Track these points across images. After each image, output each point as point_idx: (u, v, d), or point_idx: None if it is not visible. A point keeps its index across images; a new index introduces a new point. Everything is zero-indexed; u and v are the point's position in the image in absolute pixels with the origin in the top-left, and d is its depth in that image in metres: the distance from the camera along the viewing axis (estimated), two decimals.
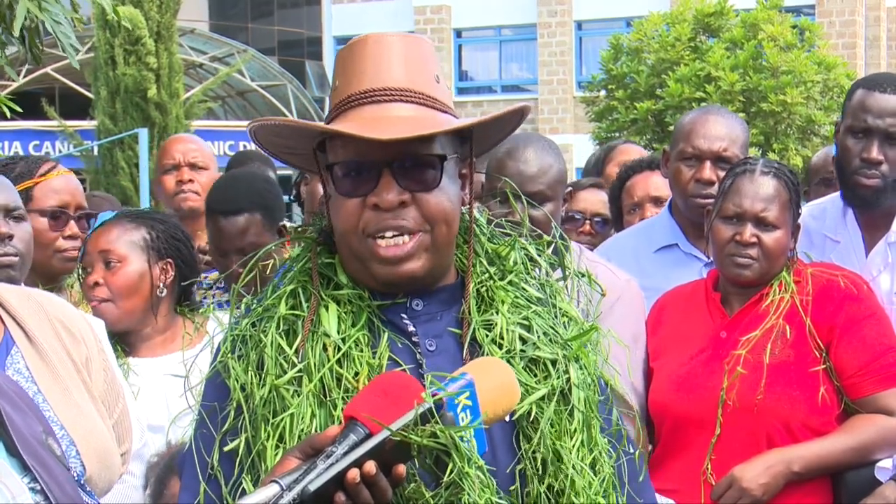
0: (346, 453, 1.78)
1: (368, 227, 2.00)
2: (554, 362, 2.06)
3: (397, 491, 1.85)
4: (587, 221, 4.73)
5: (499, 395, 1.89)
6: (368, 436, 1.79)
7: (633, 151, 5.52)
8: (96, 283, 3.46)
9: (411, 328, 2.06)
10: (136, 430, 3.05)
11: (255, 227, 3.97)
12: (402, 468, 1.80)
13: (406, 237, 2.00)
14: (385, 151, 1.96)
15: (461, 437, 1.83)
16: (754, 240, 3.31)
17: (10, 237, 3.06)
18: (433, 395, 1.83)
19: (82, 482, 2.54)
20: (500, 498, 1.91)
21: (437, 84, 2.07)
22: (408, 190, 1.99)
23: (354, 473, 1.76)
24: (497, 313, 2.07)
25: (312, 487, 1.75)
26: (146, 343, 3.51)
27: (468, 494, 1.84)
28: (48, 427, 2.09)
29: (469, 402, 1.84)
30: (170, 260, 3.54)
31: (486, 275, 2.12)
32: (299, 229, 2.19)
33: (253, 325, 2.06)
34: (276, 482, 1.76)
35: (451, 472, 1.83)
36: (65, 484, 1.97)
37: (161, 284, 3.51)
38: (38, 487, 1.91)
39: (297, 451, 1.83)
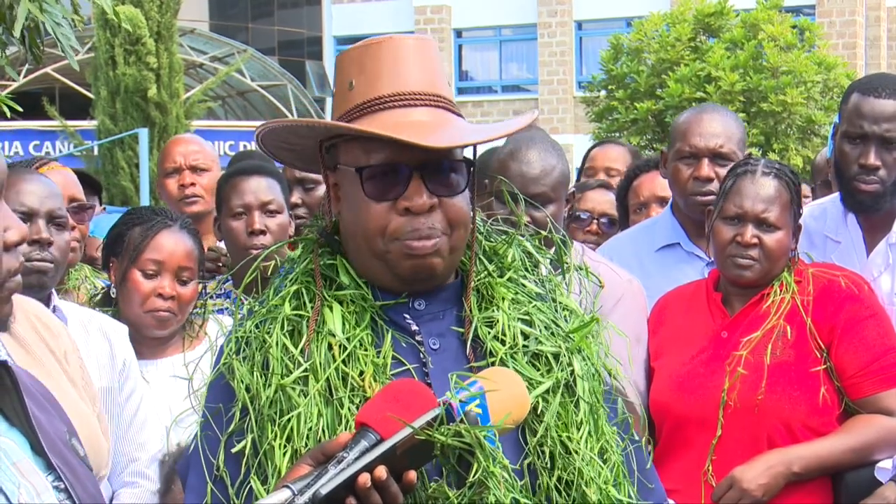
0: (357, 458, 1.80)
1: (399, 231, 2.01)
2: (557, 355, 2.08)
3: (419, 491, 1.87)
4: (594, 221, 4.73)
5: (509, 405, 1.91)
6: (380, 441, 1.81)
7: (610, 154, 5.54)
8: (172, 297, 3.46)
9: (414, 327, 2.08)
10: (157, 435, 3.08)
11: (277, 189, 3.98)
12: (412, 474, 1.82)
13: (435, 239, 2.02)
14: (415, 156, 1.99)
15: (485, 437, 1.84)
16: (755, 241, 3.31)
17: (50, 244, 3.11)
18: (444, 401, 1.85)
19: None
20: (521, 496, 1.93)
21: (447, 85, 2.11)
22: (435, 194, 2.02)
23: (365, 478, 1.78)
24: (498, 310, 2.09)
25: (324, 492, 1.77)
26: (149, 346, 3.51)
27: (494, 494, 1.85)
28: (71, 427, 2.12)
29: (479, 411, 1.86)
30: None
31: (485, 272, 2.14)
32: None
33: (256, 326, 2.07)
34: (288, 487, 1.78)
35: (477, 471, 1.84)
36: (87, 483, 1.99)
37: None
38: (62, 486, 1.93)
39: (309, 457, 1.85)
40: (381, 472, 1.79)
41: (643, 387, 3.41)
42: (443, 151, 2.00)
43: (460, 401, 1.86)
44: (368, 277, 2.08)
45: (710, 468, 3.27)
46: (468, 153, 2.15)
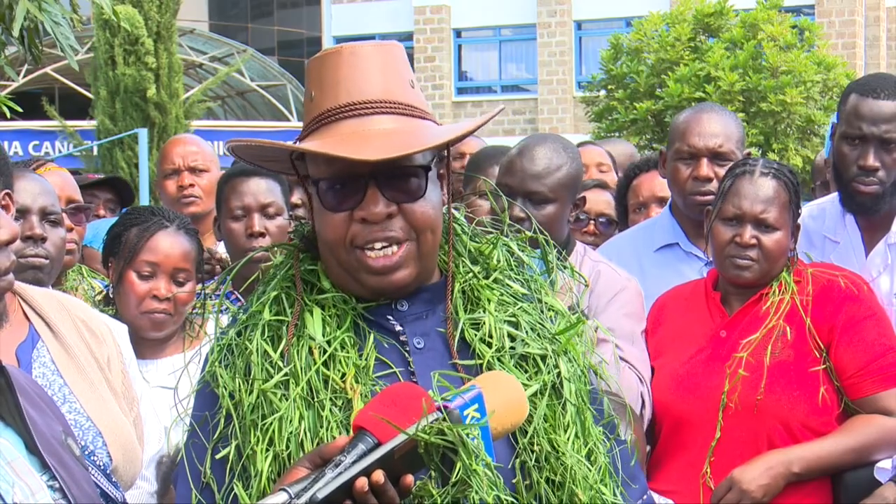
0: (354, 462, 1.79)
1: (357, 239, 2.02)
2: (543, 357, 2.08)
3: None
4: (591, 222, 4.72)
5: (507, 409, 1.90)
6: (377, 445, 1.81)
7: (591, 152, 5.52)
8: (168, 299, 3.46)
9: (398, 327, 2.08)
10: (155, 435, 3.08)
11: (277, 191, 3.97)
12: (410, 478, 1.82)
13: (395, 247, 2.02)
14: (369, 165, 1.98)
15: (468, 435, 1.84)
16: (754, 241, 3.31)
17: (44, 239, 3.13)
18: (445, 406, 1.84)
19: (108, 472, 2.57)
20: (505, 494, 1.92)
21: (412, 90, 2.08)
22: (394, 201, 2.02)
23: (363, 482, 1.78)
24: (484, 312, 2.09)
25: (321, 496, 1.76)
26: (149, 346, 3.50)
27: (476, 492, 1.85)
28: (67, 427, 2.12)
29: (478, 415, 1.86)
30: None
31: (470, 274, 2.14)
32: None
33: (238, 333, 2.07)
34: (285, 490, 1.77)
35: (459, 470, 1.84)
36: (83, 483, 1.99)
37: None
38: (57, 486, 1.93)
39: (306, 460, 1.85)
40: (379, 476, 1.78)
41: (649, 377, 3.39)
42: (398, 159, 1.98)
43: (449, 398, 1.86)
44: (344, 287, 2.09)
45: (709, 470, 3.26)
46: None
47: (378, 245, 2.02)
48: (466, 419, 1.85)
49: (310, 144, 2.02)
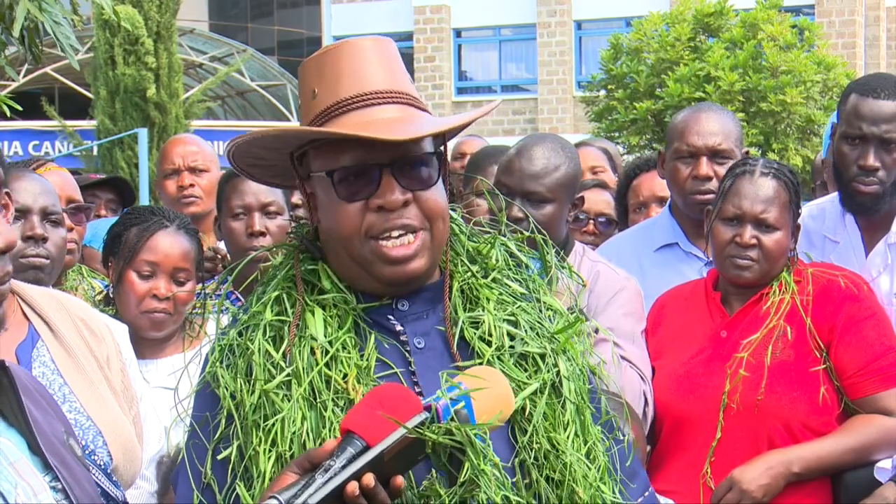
0: (344, 466, 1.79)
1: (373, 228, 2.02)
2: (543, 356, 2.09)
3: (408, 490, 1.86)
4: (591, 221, 4.72)
5: (493, 404, 1.91)
6: (366, 448, 1.81)
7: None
8: (168, 298, 3.46)
9: (399, 327, 2.09)
10: (155, 434, 3.08)
11: (277, 190, 3.96)
12: (400, 479, 1.82)
13: (411, 236, 2.03)
14: (384, 154, 1.99)
15: (476, 435, 1.84)
16: (754, 241, 3.31)
17: (45, 239, 3.14)
18: (430, 405, 1.85)
19: (109, 471, 2.58)
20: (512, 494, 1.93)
21: (410, 83, 2.11)
22: (408, 189, 2.02)
23: (354, 486, 1.78)
24: (483, 311, 2.10)
25: (312, 502, 1.76)
26: (149, 346, 3.50)
27: (485, 492, 1.85)
28: (69, 427, 2.12)
29: (465, 412, 1.86)
30: None
31: (469, 273, 2.14)
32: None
33: (239, 333, 2.07)
34: (275, 497, 1.77)
35: (468, 469, 1.85)
36: (85, 483, 1.99)
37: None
38: (59, 486, 1.93)
39: (295, 466, 1.85)
40: (370, 479, 1.79)
41: (650, 376, 3.40)
42: (411, 147, 2.00)
43: (450, 398, 1.86)
44: (350, 283, 2.09)
45: (709, 470, 3.26)
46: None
47: (395, 233, 2.02)
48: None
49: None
